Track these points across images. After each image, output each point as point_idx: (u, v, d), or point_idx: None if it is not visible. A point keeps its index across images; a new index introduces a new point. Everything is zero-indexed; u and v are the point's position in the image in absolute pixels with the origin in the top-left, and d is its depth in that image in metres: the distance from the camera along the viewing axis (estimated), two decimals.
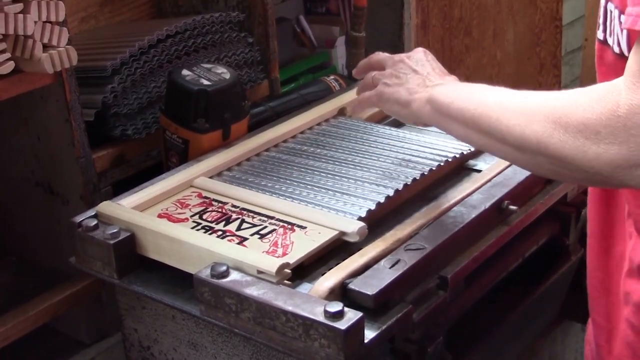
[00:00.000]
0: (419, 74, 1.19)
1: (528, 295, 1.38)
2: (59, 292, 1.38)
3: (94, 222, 1.19)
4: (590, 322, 1.21)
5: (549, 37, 2.87)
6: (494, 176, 1.29)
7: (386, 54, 1.29)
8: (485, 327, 1.31)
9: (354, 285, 1.04)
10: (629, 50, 0.92)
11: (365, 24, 1.87)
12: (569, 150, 0.91)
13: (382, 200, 1.21)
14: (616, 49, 0.98)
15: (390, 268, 1.07)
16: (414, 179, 1.27)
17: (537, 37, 2.82)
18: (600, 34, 1.04)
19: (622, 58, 0.95)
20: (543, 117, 0.94)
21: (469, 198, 1.23)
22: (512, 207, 1.23)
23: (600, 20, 1.03)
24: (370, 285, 1.04)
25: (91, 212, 1.23)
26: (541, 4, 2.74)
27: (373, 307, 1.02)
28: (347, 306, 0.99)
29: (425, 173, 1.29)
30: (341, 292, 1.05)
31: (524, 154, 0.97)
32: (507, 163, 1.30)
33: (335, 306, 0.98)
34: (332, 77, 1.69)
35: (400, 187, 1.25)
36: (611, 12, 0.99)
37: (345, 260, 1.09)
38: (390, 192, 1.23)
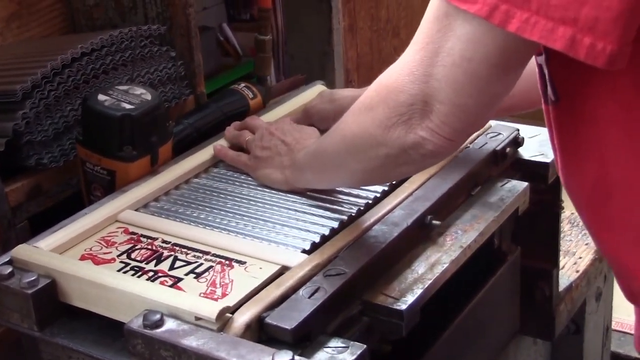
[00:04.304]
0: (287, 144, 1.27)
1: (467, 303, 1.29)
2: None
3: (8, 269, 1.07)
4: None
5: None
6: (414, 190, 1.21)
7: (263, 122, 1.39)
8: (428, 343, 1.23)
9: (271, 319, 0.96)
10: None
11: (271, 27, 1.80)
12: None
13: (326, 232, 1.13)
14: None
15: (309, 298, 0.99)
16: (359, 209, 1.19)
17: None
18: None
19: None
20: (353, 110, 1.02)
21: (390, 215, 1.15)
22: (436, 222, 1.16)
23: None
24: (288, 318, 0.96)
25: (5, 258, 1.11)
26: None
27: (292, 341, 0.94)
28: (265, 342, 0.93)
29: (370, 202, 1.21)
30: (258, 327, 0.96)
31: (362, 155, 1.01)
32: (427, 176, 1.24)
33: (285, 356, 0.89)
34: (243, 85, 1.59)
35: (345, 218, 1.17)
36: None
37: (262, 292, 1.01)
38: (335, 225, 1.15)
